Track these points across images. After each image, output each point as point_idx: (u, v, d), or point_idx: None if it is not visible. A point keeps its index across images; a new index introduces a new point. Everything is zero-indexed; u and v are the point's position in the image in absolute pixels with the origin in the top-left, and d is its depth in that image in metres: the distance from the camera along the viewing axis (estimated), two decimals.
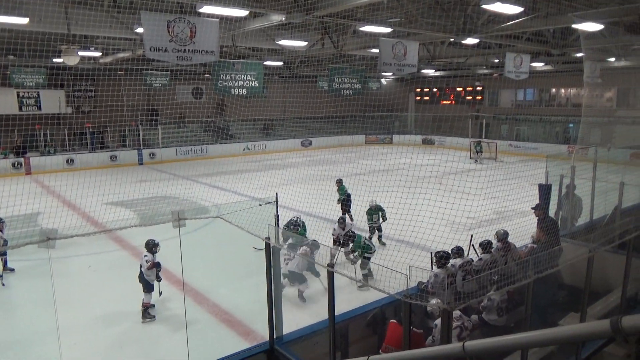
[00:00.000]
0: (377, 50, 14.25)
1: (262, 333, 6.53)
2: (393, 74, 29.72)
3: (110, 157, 24.86)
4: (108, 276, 9.67)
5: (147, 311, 7.83)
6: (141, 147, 26.09)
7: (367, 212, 11.17)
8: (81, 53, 15.99)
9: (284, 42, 16.07)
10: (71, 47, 14.67)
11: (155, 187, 15.37)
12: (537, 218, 7.48)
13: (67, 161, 23.63)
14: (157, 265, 7.79)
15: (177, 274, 8.36)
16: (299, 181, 16.53)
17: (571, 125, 27.54)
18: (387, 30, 13.14)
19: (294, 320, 6.04)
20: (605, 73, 17.05)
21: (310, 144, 32.03)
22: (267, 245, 5.40)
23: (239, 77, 15.70)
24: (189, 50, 8.65)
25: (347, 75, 18.97)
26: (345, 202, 12.60)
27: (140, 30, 10.68)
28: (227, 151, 28.22)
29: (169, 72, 24.20)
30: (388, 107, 34.47)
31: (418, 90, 37.06)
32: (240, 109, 23.06)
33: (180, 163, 25.75)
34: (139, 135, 26.10)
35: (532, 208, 8.07)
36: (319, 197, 11.08)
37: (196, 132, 29.13)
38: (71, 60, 15.03)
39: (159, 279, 7.94)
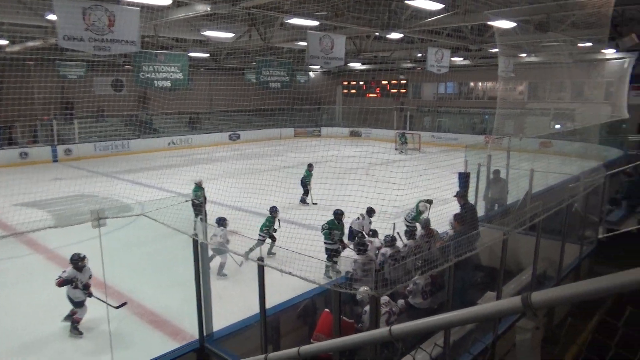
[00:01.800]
0: (304, 43, 14.27)
1: (192, 331, 6.36)
2: (321, 67, 29.93)
3: (20, 154, 22.99)
4: (19, 284, 8.96)
5: (76, 327, 7.14)
6: (55, 143, 24.35)
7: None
8: None
9: (210, 33, 15.64)
10: None
11: (72, 186, 14.40)
12: (459, 204, 7.90)
13: None
14: (66, 283, 6.96)
15: (99, 276, 7.92)
16: (227, 175, 16.22)
17: (487, 117, 29.26)
18: (315, 23, 13.19)
19: (224, 316, 5.93)
20: (517, 68, 18.19)
21: (238, 137, 31.54)
22: (195, 242, 5.26)
23: (163, 68, 15.10)
24: (107, 39, 8.17)
25: (274, 68, 18.86)
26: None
27: (52, 17, 9.92)
28: (151, 146, 27.08)
29: (85, 63, 22.74)
30: (316, 100, 34.73)
31: (345, 83, 37.64)
32: (164, 102, 22.12)
33: (99, 159, 24.35)
34: (52, 130, 24.34)
35: (455, 195, 8.52)
36: (248, 191, 10.95)
37: (117, 126, 27.66)
38: None
39: (87, 295, 7.14)
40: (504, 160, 11.07)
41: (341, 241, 9.26)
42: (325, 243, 9.16)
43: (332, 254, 9.06)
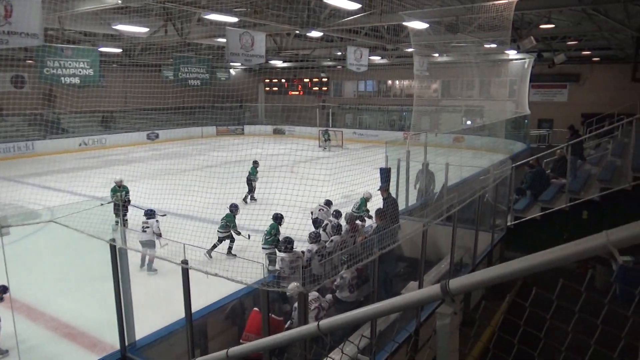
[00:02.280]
0: (224, 40, 13.98)
1: (113, 342, 6.04)
2: (242, 64, 29.51)
3: None
4: None
5: None
6: None
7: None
8: None
9: (122, 28, 14.83)
10: None
11: None
12: (382, 197, 8.18)
13: None
14: None
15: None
16: (146, 177, 15.55)
17: (405, 113, 30.49)
18: (233, 19, 12.97)
19: (147, 323, 5.68)
20: (431, 67, 19.12)
21: (157, 136, 30.31)
22: (112, 247, 5.00)
23: (70, 64, 14.13)
24: (4, 32, 7.47)
25: (193, 65, 18.34)
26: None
27: None
28: (60, 147, 25.22)
29: None
30: (238, 97, 34.21)
31: (267, 80, 37.46)
32: (73, 100, 20.72)
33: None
34: None
35: (378, 189, 8.81)
36: (171, 193, 10.56)
37: (19, 126, 25.46)
38: None
39: None
40: (422, 155, 11.60)
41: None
42: (263, 248, 8.97)
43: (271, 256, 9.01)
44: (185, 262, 4.52)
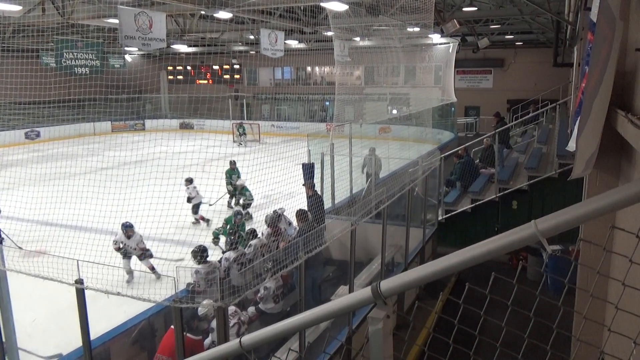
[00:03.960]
0: (116, 21, 13.34)
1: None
2: (139, 49, 28.34)
3: None
4: None
5: None
6: None
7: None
8: None
9: None
10: None
11: None
12: (307, 195, 8.25)
13: None
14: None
15: None
16: (26, 183, 14.47)
17: (328, 102, 30.93)
18: None
19: (29, 356, 5.31)
20: (353, 52, 19.53)
21: (38, 135, 28.42)
22: None
23: None
24: None
25: (80, 50, 17.36)
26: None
27: None
28: None
29: None
30: (136, 87, 32.77)
31: (170, 68, 36.25)
32: None
33: None
34: None
35: (303, 184, 8.87)
36: (57, 201, 9.92)
37: None
38: None
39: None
40: (346, 147, 11.84)
41: None
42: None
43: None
44: (79, 281, 4.28)
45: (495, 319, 1.65)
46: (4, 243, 10.04)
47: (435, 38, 21.48)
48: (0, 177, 13.04)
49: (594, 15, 2.97)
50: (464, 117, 29.28)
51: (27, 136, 27.97)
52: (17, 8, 14.20)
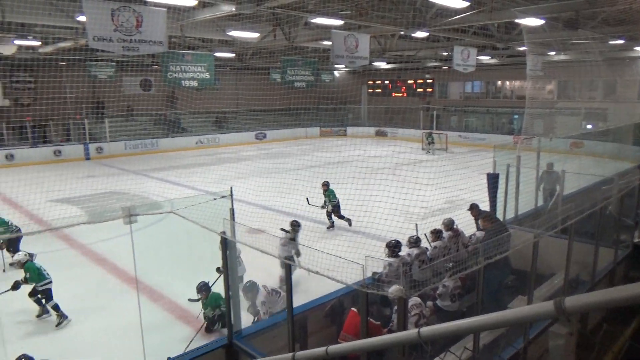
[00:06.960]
0: (329, 43, 14.28)
1: (221, 328, 6.48)
2: (345, 66, 29.90)
3: (54, 152, 23.72)
4: (57, 275, 9.26)
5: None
6: (87, 141, 25.04)
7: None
8: (18, 42, 15.11)
9: (235, 33, 15.81)
10: (6, 35, 13.83)
11: (103, 183, 14.83)
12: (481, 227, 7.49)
13: (6, 157, 22.37)
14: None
15: (130, 271, 8.13)
16: (254, 174, 16.39)
17: (516, 116, 28.71)
18: (339, 22, 13.20)
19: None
20: (546, 66, 17.83)
21: (265, 136, 31.79)
22: (223, 240, 5.35)
23: (189, 68, 15.33)
24: (135, 40, 8.35)
25: (299, 68, 18.93)
26: (337, 207, 11.94)
27: (82, 18, 10.21)
28: (179, 144, 27.57)
29: (115, 63, 23.27)
30: (341, 99, 34.69)
31: (370, 82, 37.49)
32: (192, 102, 22.52)
33: (129, 157, 24.91)
34: (84, 129, 25.03)
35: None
36: (274, 190, 11.04)
37: (146, 125, 28.24)
38: (6, 50, 14.19)
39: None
40: (534, 161, 10.87)
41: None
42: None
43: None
44: (288, 258, 4.72)
45: None
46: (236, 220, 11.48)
47: None
48: (237, 169, 14.95)
49: None
50: None
51: (256, 137, 31.47)
52: (255, 35, 16.09)
